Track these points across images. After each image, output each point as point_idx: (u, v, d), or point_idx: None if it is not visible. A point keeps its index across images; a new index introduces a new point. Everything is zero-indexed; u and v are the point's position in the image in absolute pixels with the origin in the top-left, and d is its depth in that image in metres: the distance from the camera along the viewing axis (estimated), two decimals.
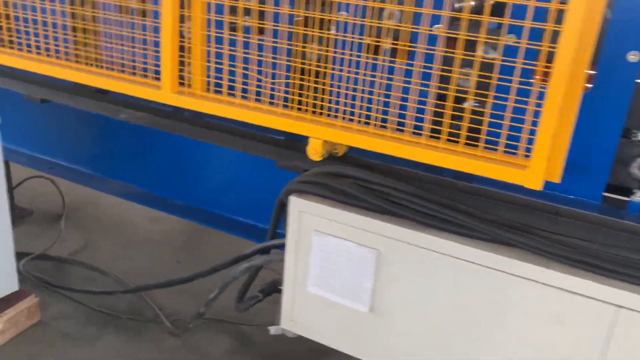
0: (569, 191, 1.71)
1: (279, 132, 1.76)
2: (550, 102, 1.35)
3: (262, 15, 1.79)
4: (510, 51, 1.48)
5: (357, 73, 1.66)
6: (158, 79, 1.93)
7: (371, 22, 1.62)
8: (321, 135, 1.66)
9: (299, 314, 1.67)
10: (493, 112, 1.52)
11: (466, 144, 1.52)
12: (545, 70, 1.39)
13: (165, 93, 1.87)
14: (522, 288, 1.34)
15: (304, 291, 1.63)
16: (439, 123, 1.54)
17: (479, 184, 1.67)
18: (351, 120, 1.66)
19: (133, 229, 3.45)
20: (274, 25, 1.76)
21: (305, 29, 1.70)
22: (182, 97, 1.86)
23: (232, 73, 1.83)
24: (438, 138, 1.55)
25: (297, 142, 1.81)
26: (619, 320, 1.23)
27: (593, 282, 1.27)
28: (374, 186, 1.53)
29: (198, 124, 1.98)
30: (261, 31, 1.84)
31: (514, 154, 1.49)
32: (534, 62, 1.47)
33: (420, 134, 1.58)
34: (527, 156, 1.46)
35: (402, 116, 1.61)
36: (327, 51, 1.72)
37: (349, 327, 1.60)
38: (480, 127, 1.53)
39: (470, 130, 1.53)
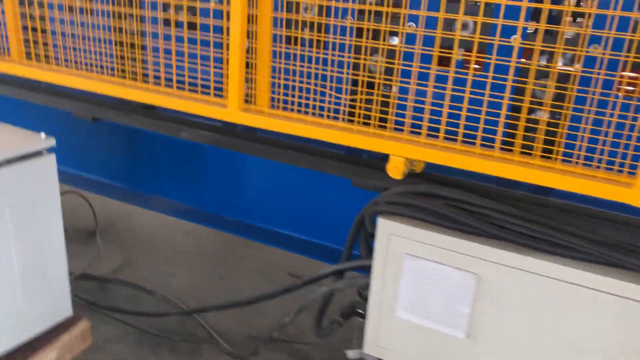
0: None
1: (343, 146, 1.70)
2: None
3: (322, 27, 1.74)
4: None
5: (436, 87, 1.60)
6: (218, 95, 1.87)
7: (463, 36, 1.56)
8: (404, 153, 1.59)
9: (386, 339, 1.61)
10: (588, 127, 1.46)
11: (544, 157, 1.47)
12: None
13: (232, 111, 1.80)
14: None
15: (391, 316, 1.57)
16: (544, 139, 1.48)
17: (562, 199, 1.62)
18: (430, 135, 1.60)
19: (169, 243, 3.39)
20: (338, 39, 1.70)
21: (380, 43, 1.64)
22: (250, 114, 1.79)
23: (296, 88, 1.77)
24: (530, 154, 1.49)
25: (374, 159, 1.75)
26: None
27: None
28: (469, 207, 1.47)
29: (265, 141, 1.92)
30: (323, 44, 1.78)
31: (610, 169, 1.44)
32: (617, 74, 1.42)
33: (512, 150, 1.52)
34: (630, 173, 1.41)
35: (488, 131, 1.55)
36: (396, 63, 1.66)
37: (442, 353, 1.54)
38: (575, 142, 1.47)
39: (563, 146, 1.48)
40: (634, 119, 1.42)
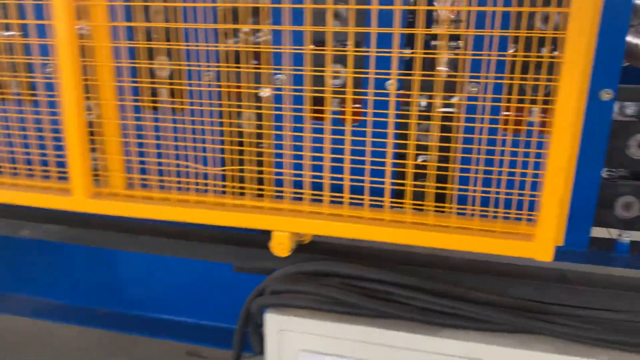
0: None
1: None
2: (556, 158, 1.18)
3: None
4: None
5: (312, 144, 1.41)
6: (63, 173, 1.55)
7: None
8: (288, 227, 1.39)
9: None
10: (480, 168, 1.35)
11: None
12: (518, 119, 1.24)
13: (78, 199, 1.50)
14: None
15: None
16: (422, 194, 1.34)
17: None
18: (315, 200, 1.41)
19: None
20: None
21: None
22: (102, 200, 1.50)
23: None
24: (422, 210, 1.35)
25: (258, 235, 1.52)
26: None
27: None
28: (366, 284, 1.28)
29: (128, 228, 1.62)
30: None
31: (508, 218, 1.33)
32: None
33: (401, 208, 1.36)
34: (528, 219, 1.30)
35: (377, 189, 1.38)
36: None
37: None
38: (468, 188, 1.35)
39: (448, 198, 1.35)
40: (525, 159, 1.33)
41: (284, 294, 1.30)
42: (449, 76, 1.38)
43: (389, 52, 1.27)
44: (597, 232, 1.62)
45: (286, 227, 1.38)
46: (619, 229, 1.58)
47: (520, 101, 1.32)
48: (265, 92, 1.48)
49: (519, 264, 1.38)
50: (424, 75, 1.28)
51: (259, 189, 1.46)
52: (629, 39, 1.49)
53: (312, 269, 1.33)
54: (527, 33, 1.22)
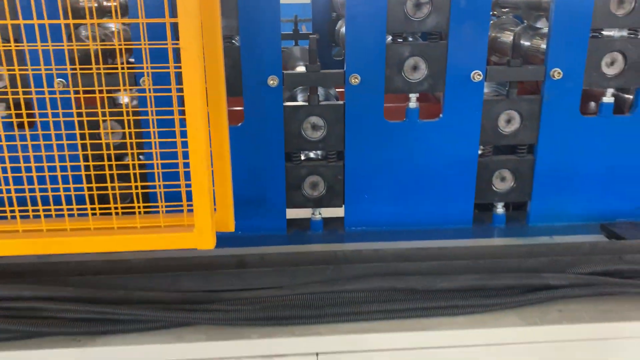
0: (256, 227, 1.62)
1: None
2: (195, 156, 1.18)
3: None
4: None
5: None
6: None
7: None
8: None
9: None
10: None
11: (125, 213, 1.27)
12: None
13: None
14: None
15: None
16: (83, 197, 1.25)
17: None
18: None
19: None
20: None
21: None
22: None
23: None
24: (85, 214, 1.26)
25: None
26: None
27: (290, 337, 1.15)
28: (16, 304, 1.15)
29: None
30: None
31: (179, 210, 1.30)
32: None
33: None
34: (190, 210, 1.28)
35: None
36: None
37: None
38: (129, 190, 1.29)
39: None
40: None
41: None
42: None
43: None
44: (297, 213, 1.70)
45: None
46: (311, 208, 1.67)
47: None
48: None
49: (195, 256, 1.36)
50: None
51: None
52: None
53: None
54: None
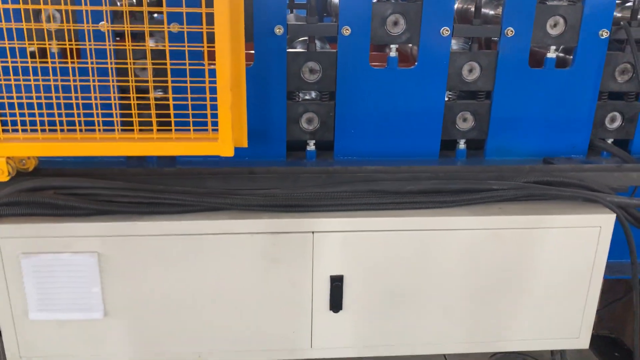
0: (261, 154, 1.95)
1: None
2: (221, 78, 1.51)
3: None
4: (180, 38, 1.60)
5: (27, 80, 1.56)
6: None
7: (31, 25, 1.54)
8: (2, 152, 1.52)
9: (28, 347, 1.53)
10: (176, 96, 1.63)
11: (160, 130, 1.60)
12: (210, 50, 1.55)
13: None
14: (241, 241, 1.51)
15: (26, 322, 1.50)
16: (129, 116, 1.58)
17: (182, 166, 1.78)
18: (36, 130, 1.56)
19: None
20: None
21: None
22: None
23: None
24: (131, 131, 1.59)
25: None
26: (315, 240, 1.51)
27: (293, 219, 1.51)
28: (77, 191, 1.49)
29: None
30: None
31: (204, 130, 1.64)
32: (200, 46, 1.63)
33: (113, 131, 1.59)
34: (215, 130, 1.62)
35: (90, 117, 1.59)
36: None
37: (88, 340, 1.54)
38: (167, 112, 1.63)
39: (161, 117, 1.61)
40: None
41: (1, 207, 1.45)
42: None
43: None
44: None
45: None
46: (306, 139, 2.01)
47: None
48: None
49: (215, 167, 1.70)
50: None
51: None
52: None
53: (30, 185, 1.49)
54: None
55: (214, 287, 1.54)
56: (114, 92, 1.59)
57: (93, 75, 1.58)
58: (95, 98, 1.58)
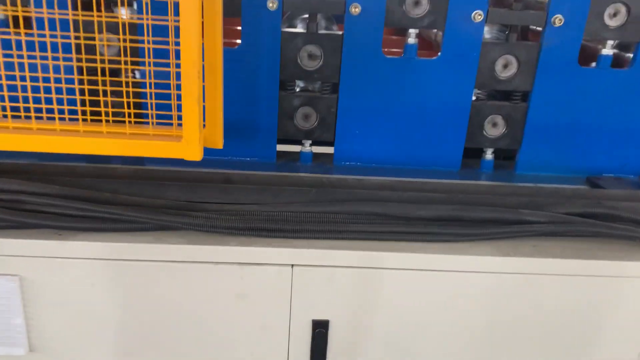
0: (246, 153, 1.64)
1: None
2: (186, 62, 1.19)
3: None
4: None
5: None
6: None
7: None
8: None
9: None
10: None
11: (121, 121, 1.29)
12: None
13: None
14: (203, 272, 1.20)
15: None
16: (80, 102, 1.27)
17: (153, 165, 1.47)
18: None
19: None
20: None
21: None
22: None
23: None
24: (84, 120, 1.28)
25: None
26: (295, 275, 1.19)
27: (267, 247, 1.18)
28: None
29: None
30: None
31: (169, 124, 1.32)
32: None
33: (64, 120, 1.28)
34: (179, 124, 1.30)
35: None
36: None
37: None
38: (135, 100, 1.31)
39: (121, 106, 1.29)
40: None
41: None
42: None
43: None
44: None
45: None
46: (300, 139, 1.68)
47: None
48: None
49: (183, 170, 1.39)
50: None
51: None
52: None
53: None
54: None
55: (164, 322, 1.23)
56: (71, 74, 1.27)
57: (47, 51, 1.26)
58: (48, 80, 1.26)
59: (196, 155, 1.26)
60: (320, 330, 1.19)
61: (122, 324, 1.22)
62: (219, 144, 1.37)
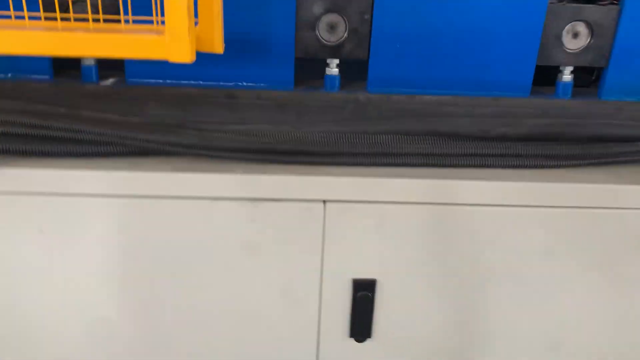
0: (255, 77, 1.29)
1: None
2: None
3: None
4: None
5: None
6: None
7: None
8: None
9: None
10: None
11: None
12: None
13: None
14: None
15: None
16: None
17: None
18: None
19: None
20: None
21: None
22: None
23: None
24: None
25: None
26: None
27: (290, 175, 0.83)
28: None
29: None
30: None
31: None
32: None
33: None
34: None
35: None
36: None
37: None
38: None
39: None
40: None
41: None
42: None
43: None
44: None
45: None
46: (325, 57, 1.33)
47: None
48: None
49: (172, 84, 1.04)
50: None
51: None
52: None
53: None
54: None
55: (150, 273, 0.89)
56: None
57: None
58: None
59: (185, 54, 0.91)
60: (364, 293, 0.84)
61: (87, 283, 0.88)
62: (218, 47, 1.01)
